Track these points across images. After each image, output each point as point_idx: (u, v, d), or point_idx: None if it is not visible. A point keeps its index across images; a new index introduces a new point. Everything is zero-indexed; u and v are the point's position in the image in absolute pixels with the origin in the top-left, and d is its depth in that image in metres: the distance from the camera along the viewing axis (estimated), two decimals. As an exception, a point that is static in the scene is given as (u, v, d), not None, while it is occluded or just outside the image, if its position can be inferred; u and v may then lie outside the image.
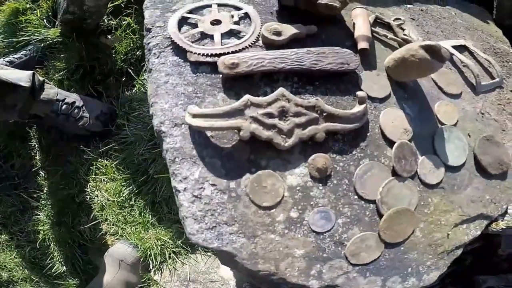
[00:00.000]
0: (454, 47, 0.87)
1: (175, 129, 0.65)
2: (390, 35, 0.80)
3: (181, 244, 1.08)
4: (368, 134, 0.69)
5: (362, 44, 0.73)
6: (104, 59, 1.24)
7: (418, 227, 0.72)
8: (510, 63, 0.94)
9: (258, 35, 0.72)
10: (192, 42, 0.69)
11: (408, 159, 0.69)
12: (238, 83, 0.67)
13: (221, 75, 0.68)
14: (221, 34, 0.70)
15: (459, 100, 0.79)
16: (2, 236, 1.21)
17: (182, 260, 1.07)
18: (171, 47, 0.69)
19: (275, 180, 0.65)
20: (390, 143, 0.70)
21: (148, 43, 0.70)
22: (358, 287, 0.69)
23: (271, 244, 0.66)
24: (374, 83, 0.72)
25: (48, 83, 1.17)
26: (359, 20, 0.77)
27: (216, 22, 0.71)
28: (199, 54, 0.68)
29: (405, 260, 0.72)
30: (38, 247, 1.17)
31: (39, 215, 1.20)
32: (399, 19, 0.85)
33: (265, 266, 0.65)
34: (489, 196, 0.78)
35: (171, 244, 1.08)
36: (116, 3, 1.24)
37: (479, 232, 0.78)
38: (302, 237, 0.66)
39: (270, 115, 0.64)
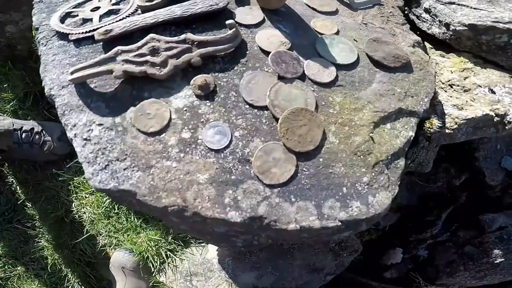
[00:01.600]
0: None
1: (62, 90, 0.68)
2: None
3: (173, 240, 1.09)
4: (247, 52, 0.71)
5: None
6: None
7: (329, 131, 0.68)
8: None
9: (136, 8, 0.80)
10: (74, 28, 0.77)
11: (289, 63, 0.70)
12: (118, 43, 0.73)
13: (101, 43, 0.74)
14: (100, 15, 0.78)
15: (336, 16, 0.82)
16: (19, 268, 1.23)
17: (180, 256, 1.06)
18: (56, 36, 0.77)
19: (159, 105, 0.65)
20: (268, 54, 0.71)
21: (37, 38, 0.78)
22: (288, 217, 0.61)
23: (169, 173, 0.62)
24: (248, 14, 0.77)
25: (0, 115, 1.20)
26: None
27: (96, 9, 0.80)
28: (79, 33, 0.75)
29: (333, 176, 0.64)
30: (50, 271, 1.20)
31: (40, 242, 1.24)
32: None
33: (170, 200, 0.61)
34: (400, 89, 0.75)
35: (164, 242, 1.08)
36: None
37: (411, 133, 0.72)
38: (201, 158, 0.63)
39: (141, 55, 0.67)
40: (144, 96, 0.66)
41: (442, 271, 1.18)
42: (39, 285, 1.22)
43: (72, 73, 0.66)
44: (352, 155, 0.67)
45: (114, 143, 0.63)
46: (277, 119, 0.66)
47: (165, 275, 1.09)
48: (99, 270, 1.22)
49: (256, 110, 0.66)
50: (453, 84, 0.85)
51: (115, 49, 0.67)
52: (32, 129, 1.19)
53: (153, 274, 1.09)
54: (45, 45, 0.75)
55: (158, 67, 0.66)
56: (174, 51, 0.68)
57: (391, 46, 0.78)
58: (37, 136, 1.19)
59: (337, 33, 0.78)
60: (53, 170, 1.24)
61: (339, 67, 0.73)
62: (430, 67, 0.80)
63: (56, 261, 1.23)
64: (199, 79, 0.66)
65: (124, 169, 0.62)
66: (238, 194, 0.62)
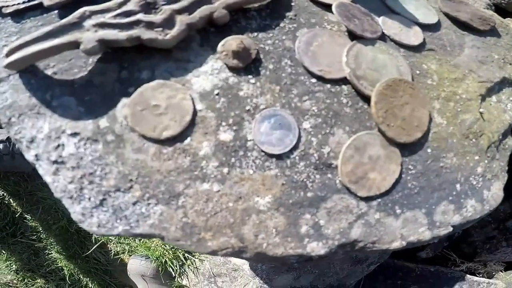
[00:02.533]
0: None
1: (1, 85, 0.40)
2: None
3: None
4: (292, 4, 0.46)
5: None
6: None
7: (433, 108, 0.45)
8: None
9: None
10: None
11: (362, 18, 0.46)
12: (83, 4, 0.45)
13: (56, 11, 0.46)
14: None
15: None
16: (39, 280, 1.19)
17: (199, 257, 0.98)
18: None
19: (172, 90, 0.38)
20: (327, 7, 0.46)
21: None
22: (393, 235, 0.41)
23: (210, 202, 0.36)
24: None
25: None
26: None
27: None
28: (18, 3, 0.47)
29: (445, 172, 0.44)
30: (70, 282, 1.16)
31: (51, 253, 1.19)
32: None
33: (219, 243, 0.36)
34: (498, 55, 0.55)
35: None
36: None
37: None
38: (256, 172, 0.37)
39: (127, 14, 0.40)
40: (142, 77, 0.39)
41: (480, 248, 1.08)
42: None
43: (8, 54, 0.38)
44: (464, 139, 0.46)
45: (106, 163, 0.36)
46: (364, 97, 0.42)
47: (187, 278, 1.03)
48: (117, 278, 1.18)
49: (329, 85, 0.41)
50: None
51: (80, 11, 0.39)
52: (9, 138, 1.01)
53: (175, 279, 1.03)
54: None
55: (160, 29, 0.39)
56: (183, 2, 0.41)
57: (471, 7, 0.58)
58: (17, 146, 0.95)
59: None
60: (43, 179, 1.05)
61: (421, 27, 0.51)
62: (517, 27, 0.60)
63: (73, 271, 1.19)
64: (232, 42, 0.40)
65: (134, 204, 0.35)
66: (321, 218, 0.38)
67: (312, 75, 0.41)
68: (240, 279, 0.94)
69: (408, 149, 0.42)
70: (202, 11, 0.41)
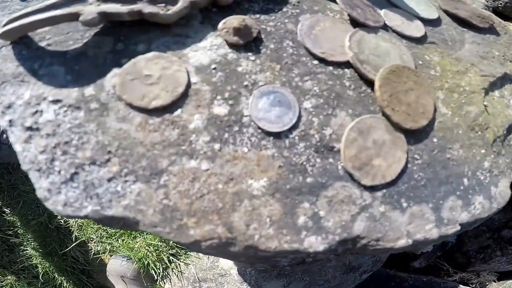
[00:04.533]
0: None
1: (-11, 54, 0.33)
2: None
3: (175, 244, 0.87)
4: (295, -7, 0.41)
5: None
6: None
7: (437, 98, 0.38)
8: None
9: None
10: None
11: (364, 9, 0.40)
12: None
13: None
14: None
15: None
16: (9, 277, 1.04)
17: (184, 261, 0.86)
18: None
19: (167, 62, 0.31)
20: (333, -3, 0.41)
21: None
22: (398, 231, 0.33)
23: (197, 182, 0.28)
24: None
25: None
26: None
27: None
28: None
29: (451, 164, 0.37)
30: (42, 280, 1.01)
31: (26, 250, 1.04)
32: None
33: (204, 231, 0.27)
34: (498, 52, 0.49)
35: (165, 247, 0.88)
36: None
37: None
38: (251, 150, 0.30)
39: (132, -10, 0.35)
40: (138, 50, 0.32)
41: (474, 257, 0.97)
42: None
43: (5, 24, 0.32)
44: (469, 131, 0.40)
45: (85, 131, 0.28)
46: (368, 81, 0.35)
47: (170, 282, 0.90)
48: (95, 278, 1.03)
49: (331, 68, 0.35)
50: None
51: None
52: None
53: (157, 282, 0.90)
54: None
55: (163, 4, 0.33)
56: (187, -18, 0.36)
57: (469, 6, 0.52)
58: (4, 136, 0.91)
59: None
60: None
61: (422, 21, 0.45)
62: (514, 30, 0.54)
63: (48, 269, 1.03)
64: (234, 19, 0.34)
65: (109, 180, 0.27)
66: (321, 208, 0.30)
67: (314, 56, 0.35)
68: (227, 285, 0.82)
69: (413, 136, 0.35)
70: (204, -9, 0.35)
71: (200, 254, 0.85)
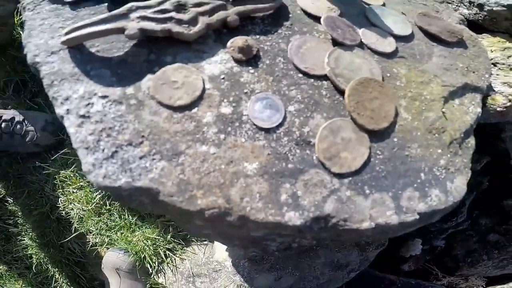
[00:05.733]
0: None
1: (51, 56, 0.43)
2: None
3: (172, 239, 0.88)
4: (289, 15, 0.50)
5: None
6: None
7: (400, 105, 0.48)
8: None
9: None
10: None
11: (344, 29, 0.50)
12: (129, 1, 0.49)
13: (105, 4, 0.50)
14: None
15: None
16: (0, 267, 1.01)
17: (180, 256, 0.87)
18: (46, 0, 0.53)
19: (188, 72, 0.42)
20: (318, 19, 0.51)
21: (23, 4, 0.53)
22: (362, 214, 0.41)
23: (206, 162, 0.39)
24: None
25: None
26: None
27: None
28: None
29: (410, 160, 0.45)
30: (35, 271, 0.98)
31: (24, 240, 1.02)
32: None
33: (208, 201, 0.37)
34: (462, 64, 0.57)
35: (162, 241, 0.89)
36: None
37: (479, 109, 0.55)
38: (247, 141, 0.40)
39: (163, 11, 0.44)
40: (166, 61, 0.43)
41: (462, 261, 1.00)
42: (23, 285, 1.00)
43: (67, 33, 0.42)
44: (427, 133, 0.48)
45: (125, 120, 0.39)
46: (340, 91, 0.45)
47: (165, 276, 0.90)
48: (89, 270, 1.01)
49: (312, 80, 0.45)
50: (497, 63, 0.68)
51: (128, 4, 0.44)
52: (13, 118, 0.94)
53: (151, 275, 0.90)
54: (31, 10, 0.51)
55: (186, 25, 0.43)
56: (206, 7, 0.45)
57: (443, 22, 0.61)
58: (18, 126, 0.93)
59: (384, 5, 0.59)
60: (36, 162, 0.98)
61: (396, 38, 0.54)
62: (482, 44, 0.63)
63: (42, 260, 1.01)
64: (239, 40, 0.44)
65: (141, 158, 0.37)
66: (298, 189, 0.40)
67: (299, 71, 0.45)
68: (221, 280, 0.84)
69: (376, 136, 0.44)
70: (219, 15, 0.45)
71: (196, 249, 0.89)
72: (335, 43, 0.48)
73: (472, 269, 0.97)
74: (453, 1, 0.77)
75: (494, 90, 0.63)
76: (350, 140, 0.43)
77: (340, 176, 0.41)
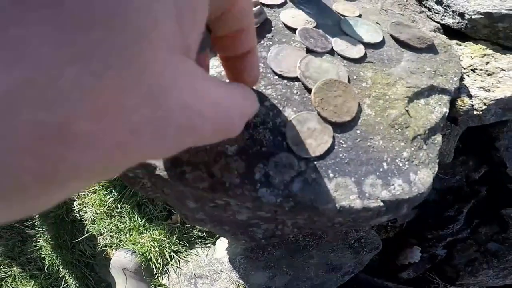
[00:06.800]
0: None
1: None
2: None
3: (178, 241, 0.92)
4: (272, 28, 0.60)
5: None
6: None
7: (364, 103, 0.56)
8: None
9: None
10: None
11: (317, 38, 0.59)
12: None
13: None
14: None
15: (356, 2, 0.73)
16: (15, 269, 1.07)
17: (184, 258, 0.91)
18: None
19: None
20: (295, 31, 0.60)
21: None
22: (327, 196, 0.48)
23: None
24: None
25: None
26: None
27: None
28: None
29: (372, 150, 0.52)
30: (46, 272, 1.03)
31: (39, 241, 1.07)
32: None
33: (194, 175, 0.47)
34: (430, 68, 0.64)
35: (168, 243, 0.92)
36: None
37: (445, 109, 0.61)
38: (230, 129, 0.50)
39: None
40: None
41: (463, 270, 1.00)
42: (34, 287, 1.05)
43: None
44: (390, 128, 0.55)
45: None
46: (309, 90, 0.54)
47: (168, 278, 0.93)
48: (98, 272, 1.05)
49: (286, 81, 0.54)
50: (476, 69, 0.73)
51: None
52: None
53: (155, 276, 0.94)
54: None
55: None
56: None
57: (414, 29, 0.68)
58: None
59: (359, 16, 0.68)
60: None
61: (366, 45, 0.62)
62: (454, 50, 0.69)
63: (54, 261, 1.06)
64: (226, 50, 0.55)
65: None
66: (270, 169, 0.49)
67: (275, 74, 0.55)
68: (221, 281, 0.88)
69: (340, 128, 0.52)
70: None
71: (200, 251, 0.92)
72: (308, 50, 0.57)
73: (472, 278, 0.98)
74: (439, 12, 0.83)
75: (471, 94, 0.68)
76: (315, 130, 0.51)
77: (306, 160, 0.50)
